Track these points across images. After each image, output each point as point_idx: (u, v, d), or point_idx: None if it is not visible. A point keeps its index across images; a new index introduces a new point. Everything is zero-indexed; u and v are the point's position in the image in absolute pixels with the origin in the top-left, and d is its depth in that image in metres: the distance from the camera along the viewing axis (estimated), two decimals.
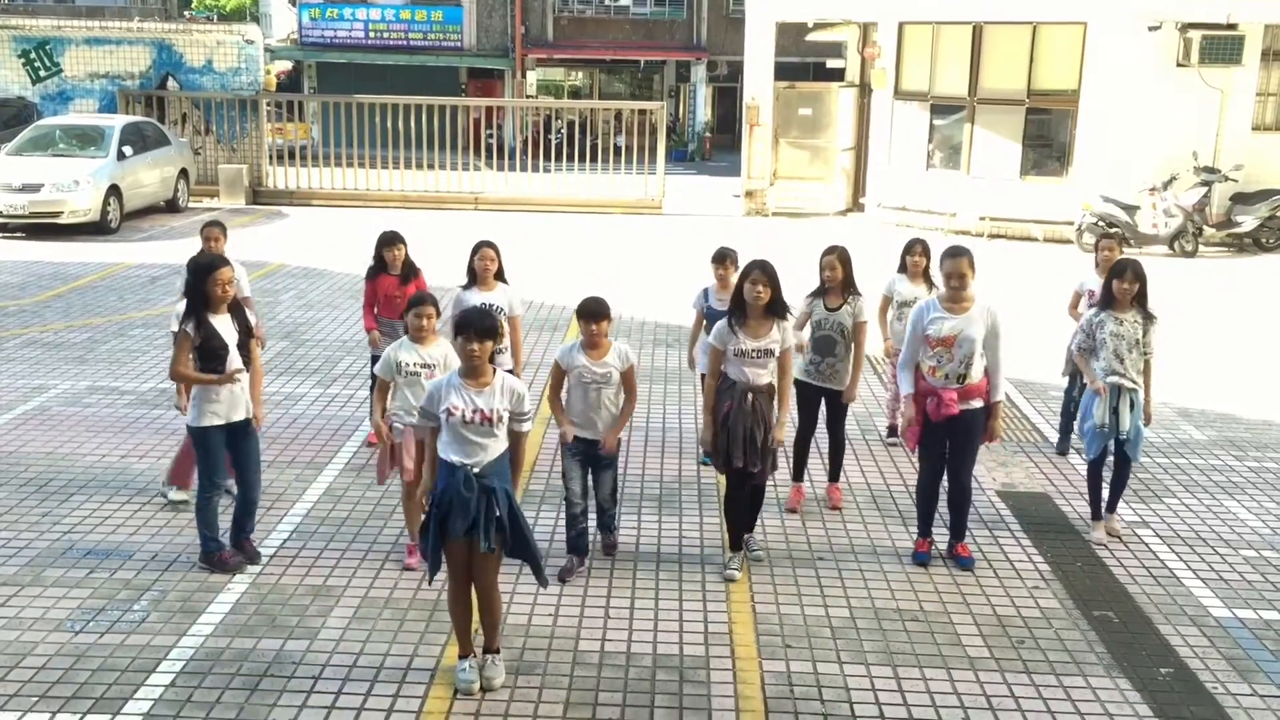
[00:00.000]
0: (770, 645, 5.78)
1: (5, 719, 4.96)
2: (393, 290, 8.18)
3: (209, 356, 6.19)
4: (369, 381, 8.64)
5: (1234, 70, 18.61)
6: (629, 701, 5.23)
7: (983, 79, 19.98)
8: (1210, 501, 7.89)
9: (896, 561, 6.81)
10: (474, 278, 7.61)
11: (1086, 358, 7.04)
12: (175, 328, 7.11)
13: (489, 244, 7.69)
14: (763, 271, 6.21)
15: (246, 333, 6.37)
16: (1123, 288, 6.85)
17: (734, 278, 7.42)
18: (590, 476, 6.53)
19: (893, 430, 8.88)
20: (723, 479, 6.89)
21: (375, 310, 8.24)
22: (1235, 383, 10.83)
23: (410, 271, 8.27)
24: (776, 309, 6.27)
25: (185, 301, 7.12)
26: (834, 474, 7.70)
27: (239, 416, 6.34)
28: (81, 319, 12.40)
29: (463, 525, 5.09)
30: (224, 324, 6.26)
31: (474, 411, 5.10)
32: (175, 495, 7.34)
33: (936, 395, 6.46)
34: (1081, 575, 6.68)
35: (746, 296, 6.21)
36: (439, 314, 6.60)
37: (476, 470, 5.12)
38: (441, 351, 6.41)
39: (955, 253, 6.45)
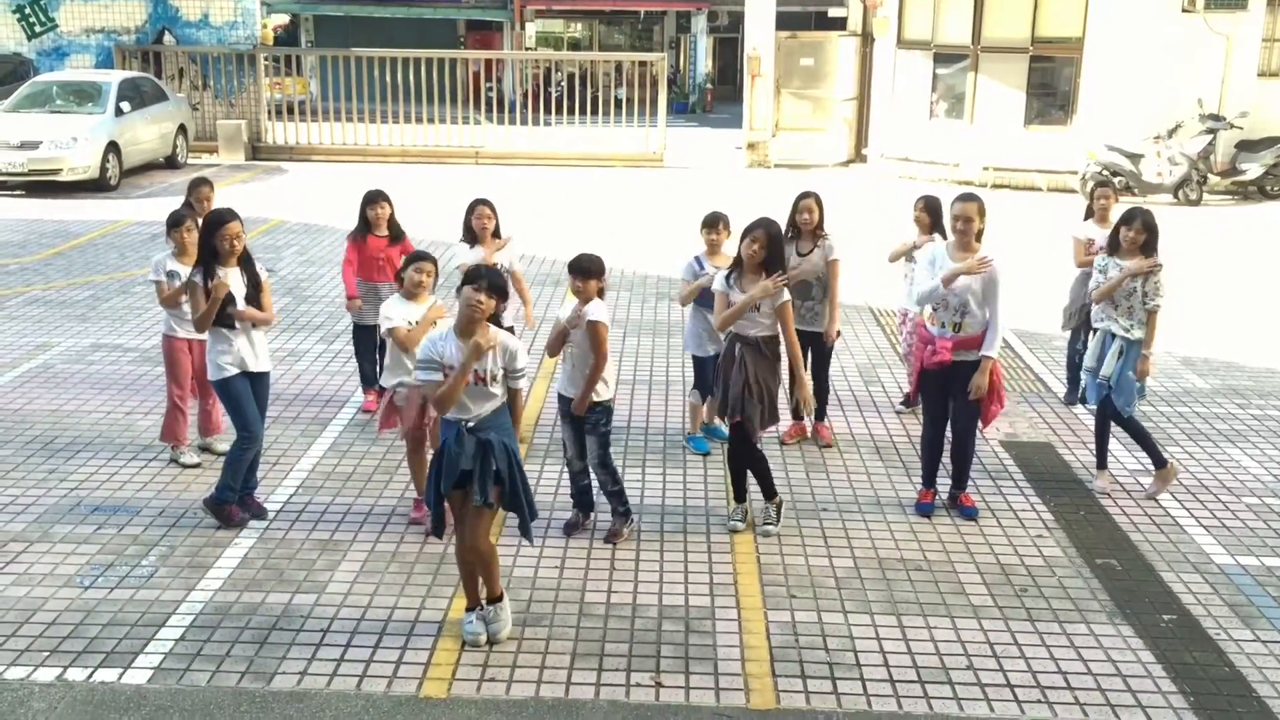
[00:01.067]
0: (775, 595, 5.82)
1: (17, 674, 5.01)
2: (379, 251, 8.06)
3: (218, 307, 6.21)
4: (352, 344, 8.61)
5: (1239, 16, 18.43)
6: (635, 652, 5.27)
7: (986, 27, 19.77)
8: (1213, 449, 7.91)
9: (900, 511, 6.84)
10: (471, 235, 7.56)
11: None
12: (155, 276, 7.13)
13: (485, 201, 7.62)
14: (765, 231, 6.17)
15: (255, 286, 6.36)
16: (1129, 235, 6.82)
17: (726, 242, 7.42)
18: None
19: (908, 400, 8.56)
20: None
21: (354, 272, 8.12)
22: (1238, 331, 10.81)
23: (398, 232, 8.15)
24: (772, 266, 6.24)
25: (167, 251, 7.14)
26: (820, 414, 7.76)
27: (256, 367, 6.37)
28: (83, 276, 12.39)
29: (450, 480, 5.13)
30: (233, 276, 6.27)
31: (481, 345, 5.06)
32: (187, 459, 7.31)
33: (932, 342, 6.48)
34: (1084, 524, 6.71)
35: (743, 253, 6.20)
36: (438, 273, 6.57)
37: (471, 425, 5.13)
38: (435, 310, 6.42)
39: (966, 198, 6.49)
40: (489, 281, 5.05)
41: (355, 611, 5.58)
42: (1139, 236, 6.81)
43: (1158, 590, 5.95)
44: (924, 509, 6.76)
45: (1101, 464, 7.22)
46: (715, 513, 6.78)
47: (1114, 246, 6.95)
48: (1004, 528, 6.64)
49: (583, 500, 6.50)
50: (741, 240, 6.23)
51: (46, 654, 5.17)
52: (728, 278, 6.33)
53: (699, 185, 19.71)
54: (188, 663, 5.13)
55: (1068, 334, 8.80)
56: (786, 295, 6.32)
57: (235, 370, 6.31)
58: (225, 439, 7.47)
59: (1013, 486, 7.23)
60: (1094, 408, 7.25)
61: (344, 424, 8.13)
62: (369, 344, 8.30)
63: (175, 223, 7.11)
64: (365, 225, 8.10)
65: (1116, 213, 7.59)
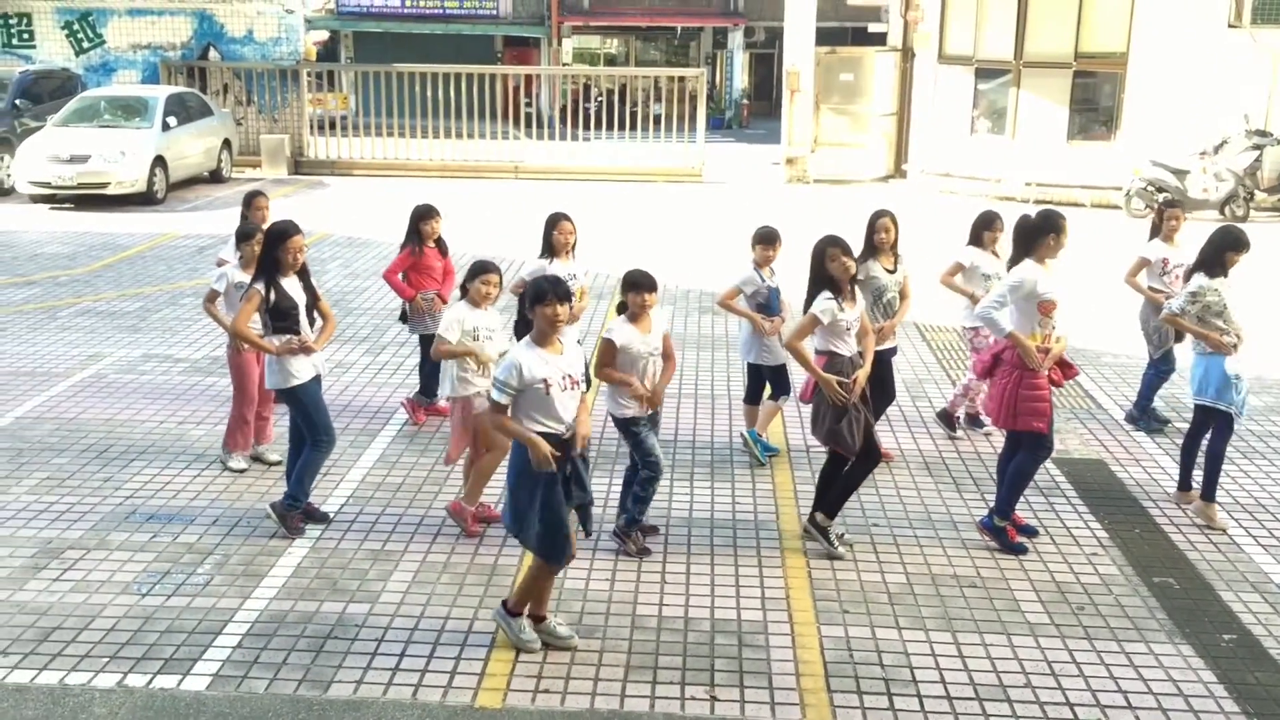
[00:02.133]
0: (828, 611, 5.79)
1: (78, 679, 5.06)
2: (434, 261, 8.36)
3: (281, 316, 6.35)
4: (418, 350, 8.70)
5: None
6: (689, 665, 5.26)
7: (1029, 42, 19.69)
8: (1270, 468, 7.80)
9: (951, 528, 6.79)
10: (550, 249, 7.59)
11: (1190, 322, 6.86)
12: (218, 285, 7.26)
13: (566, 216, 7.67)
14: (841, 248, 6.20)
15: (314, 295, 6.49)
16: (1236, 259, 6.78)
17: (776, 257, 7.48)
18: None
19: (974, 419, 8.41)
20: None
21: (404, 279, 8.28)
22: None
23: (444, 244, 8.46)
24: (858, 279, 6.34)
25: (233, 265, 7.28)
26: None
27: (323, 371, 6.55)
28: (133, 288, 12.54)
29: (580, 492, 5.20)
30: (293, 285, 6.39)
31: (564, 377, 5.12)
32: (236, 464, 7.43)
33: (1058, 362, 6.40)
34: (1140, 542, 6.63)
35: (835, 272, 6.18)
36: (502, 283, 6.68)
37: (568, 434, 5.16)
38: (501, 319, 6.54)
39: (1062, 217, 6.45)
40: (557, 294, 5.10)
41: (409, 621, 5.60)
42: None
43: (1217, 609, 5.87)
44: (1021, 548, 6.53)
45: (1185, 485, 7.19)
46: (765, 526, 6.76)
47: (1216, 268, 6.83)
48: (1058, 545, 6.57)
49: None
50: (823, 260, 6.21)
51: (106, 660, 5.22)
52: (833, 298, 6.22)
53: (739, 200, 19.72)
54: (245, 670, 5.16)
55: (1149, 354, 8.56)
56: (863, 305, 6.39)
57: (310, 375, 6.41)
58: (275, 449, 7.58)
59: (1065, 504, 7.16)
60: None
61: (392, 435, 8.17)
62: (425, 354, 8.43)
63: (247, 235, 7.20)
64: (419, 238, 8.23)
65: (1184, 232, 7.56)
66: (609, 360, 6.13)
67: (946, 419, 8.38)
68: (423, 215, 8.33)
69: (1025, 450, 6.46)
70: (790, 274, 7.93)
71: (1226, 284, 6.84)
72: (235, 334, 6.62)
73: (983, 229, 8.11)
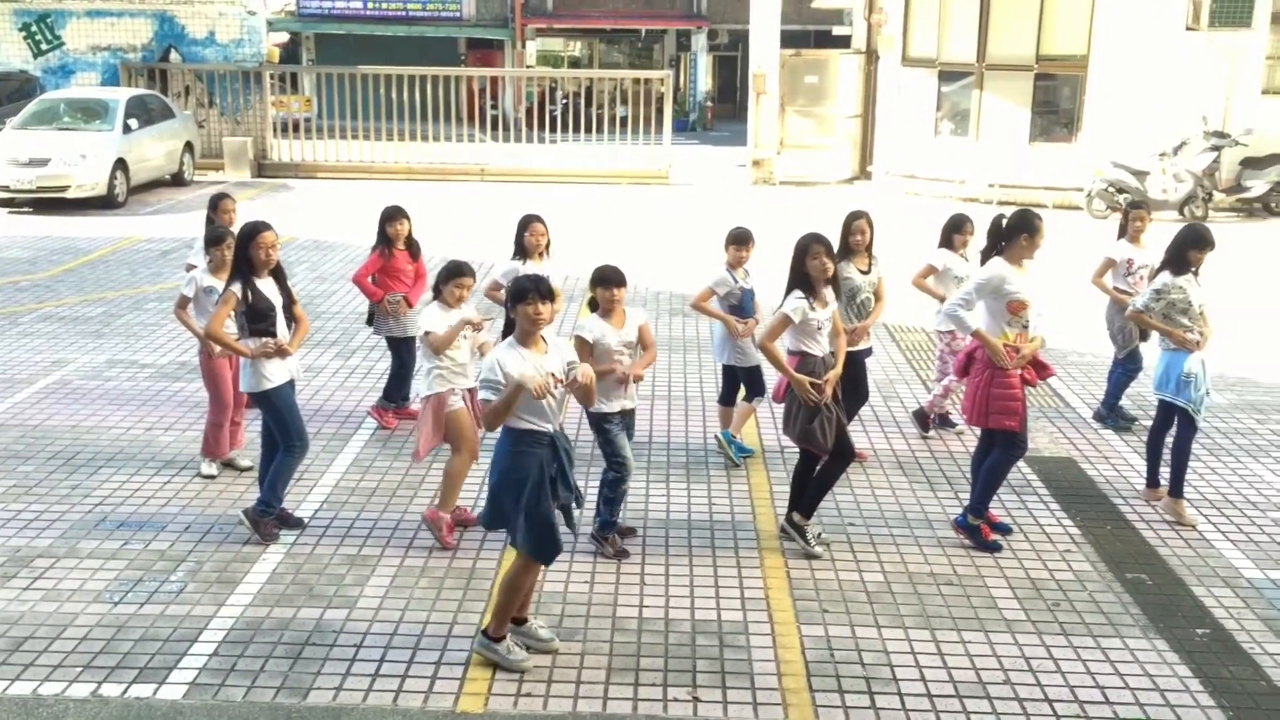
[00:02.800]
0: (807, 610, 5.80)
1: (51, 689, 4.98)
2: (405, 264, 8.25)
3: (258, 317, 6.28)
4: (387, 354, 8.64)
5: (1244, 33, 18.54)
6: (671, 666, 5.25)
7: (991, 45, 19.87)
8: (1235, 464, 7.91)
9: (926, 526, 6.83)
10: (522, 251, 7.57)
11: (1156, 319, 6.96)
12: (187, 290, 7.18)
13: (538, 218, 7.65)
14: (825, 246, 6.21)
15: (289, 297, 6.42)
16: (1200, 257, 6.86)
17: (750, 258, 7.50)
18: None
19: (944, 419, 8.46)
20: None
21: (373, 282, 8.17)
22: (1250, 347, 10.82)
23: (416, 247, 8.34)
24: (835, 279, 6.35)
25: (202, 268, 7.21)
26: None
27: (297, 375, 6.48)
28: (95, 293, 12.37)
29: (566, 492, 5.15)
30: (268, 286, 6.32)
31: (548, 375, 5.08)
32: (207, 469, 7.35)
33: (1032, 362, 6.43)
34: (1112, 538, 6.70)
35: (813, 271, 6.18)
36: (475, 284, 6.63)
37: (555, 431, 5.14)
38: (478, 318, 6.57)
39: (1038, 218, 6.47)
40: (539, 293, 5.05)
41: (388, 626, 5.56)
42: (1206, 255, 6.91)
43: (1189, 604, 5.94)
44: (996, 546, 6.55)
45: (1153, 482, 7.28)
46: (742, 527, 6.77)
47: (1182, 266, 6.90)
48: (1032, 542, 6.63)
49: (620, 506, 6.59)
50: (804, 258, 6.20)
51: (79, 670, 5.14)
52: (807, 297, 6.21)
53: (706, 202, 19.76)
54: (222, 678, 5.10)
55: (1116, 355, 8.65)
56: (835, 305, 6.39)
57: (285, 378, 6.35)
58: (246, 454, 7.50)
59: (1037, 501, 7.23)
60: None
61: (365, 440, 8.11)
62: (404, 354, 8.37)
63: (216, 239, 7.12)
64: (387, 241, 8.16)
65: (1149, 233, 7.65)
66: (584, 356, 6.10)
67: (921, 419, 8.43)
68: (389, 217, 8.22)
69: (999, 449, 6.51)
70: (763, 275, 7.97)
71: (1192, 282, 6.93)
72: (210, 337, 6.54)
73: (953, 232, 8.19)
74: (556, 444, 5.15)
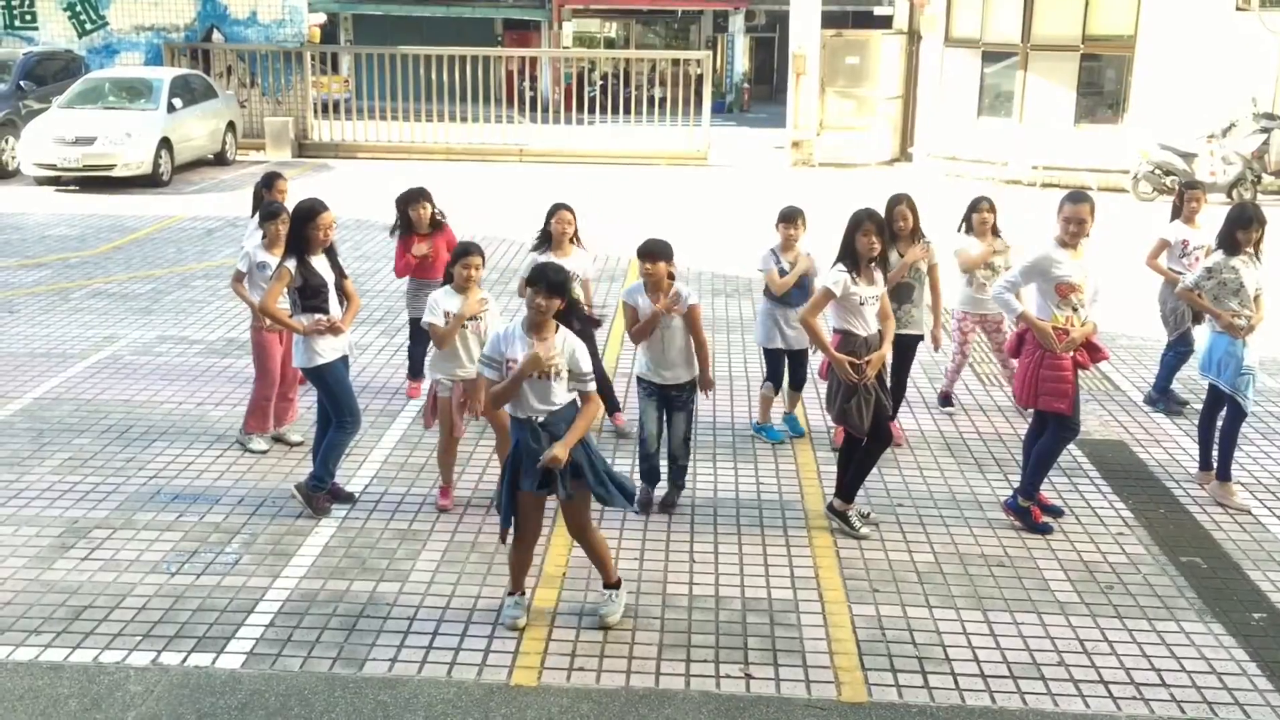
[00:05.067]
0: (858, 590, 5.79)
1: (112, 657, 5.06)
2: (423, 247, 8.10)
3: (311, 294, 6.32)
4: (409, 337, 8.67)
5: None
6: (722, 643, 5.26)
7: (1036, 25, 19.64)
8: None
9: (976, 507, 6.80)
10: (548, 240, 7.48)
11: (1206, 299, 6.89)
12: (243, 265, 7.23)
13: (566, 206, 7.49)
14: (875, 223, 6.13)
15: (340, 273, 6.47)
16: (1248, 236, 6.77)
17: (801, 237, 7.44)
18: (665, 419, 6.58)
19: (946, 399, 8.53)
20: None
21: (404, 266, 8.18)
22: None
23: (438, 228, 8.18)
24: (885, 260, 6.28)
25: (257, 243, 7.24)
26: (892, 414, 7.67)
27: (347, 349, 6.52)
28: (143, 270, 12.50)
29: (534, 479, 5.11)
30: (321, 264, 6.37)
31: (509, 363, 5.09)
32: (257, 445, 7.41)
33: (1085, 345, 6.33)
34: (1165, 521, 6.64)
35: (860, 247, 6.12)
36: (484, 264, 6.58)
37: (541, 420, 5.12)
38: (493, 302, 6.56)
39: (1079, 198, 6.33)
40: (546, 284, 5.04)
41: (440, 600, 5.60)
42: (1258, 234, 6.80)
43: (1245, 588, 5.88)
44: (1047, 528, 6.50)
45: (1206, 464, 7.18)
46: (790, 506, 6.76)
47: (1233, 246, 6.84)
48: (1084, 525, 6.57)
49: (651, 475, 6.64)
50: (854, 235, 6.15)
51: (139, 639, 5.21)
52: (850, 272, 6.17)
53: (746, 183, 19.68)
54: (279, 648, 5.16)
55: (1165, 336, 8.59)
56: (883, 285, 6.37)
57: (336, 355, 6.39)
58: (297, 429, 7.58)
59: (1089, 484, 7.17)
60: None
61: (412, 416, 8.16)
62: (421, 335, 8.37)
63: (272, 214, 7.18)
64: (408, 225, 8.14)
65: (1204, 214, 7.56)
66: (631, 322, 6.41)
67: (944, 399, 8.54)
68: (408, 200, 8.14)
69: (1050, 432, 6.46)
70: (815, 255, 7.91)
71: (1248, 263, 6.83)
72: (263, 312, 6.60)
73: (971, 213, 8.15)
74: (542, 430, 5.12)
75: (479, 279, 6.47)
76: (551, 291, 5.06)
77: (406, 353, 8.72)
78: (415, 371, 8.52)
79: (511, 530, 5.33)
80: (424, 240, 8.08)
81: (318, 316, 6.33)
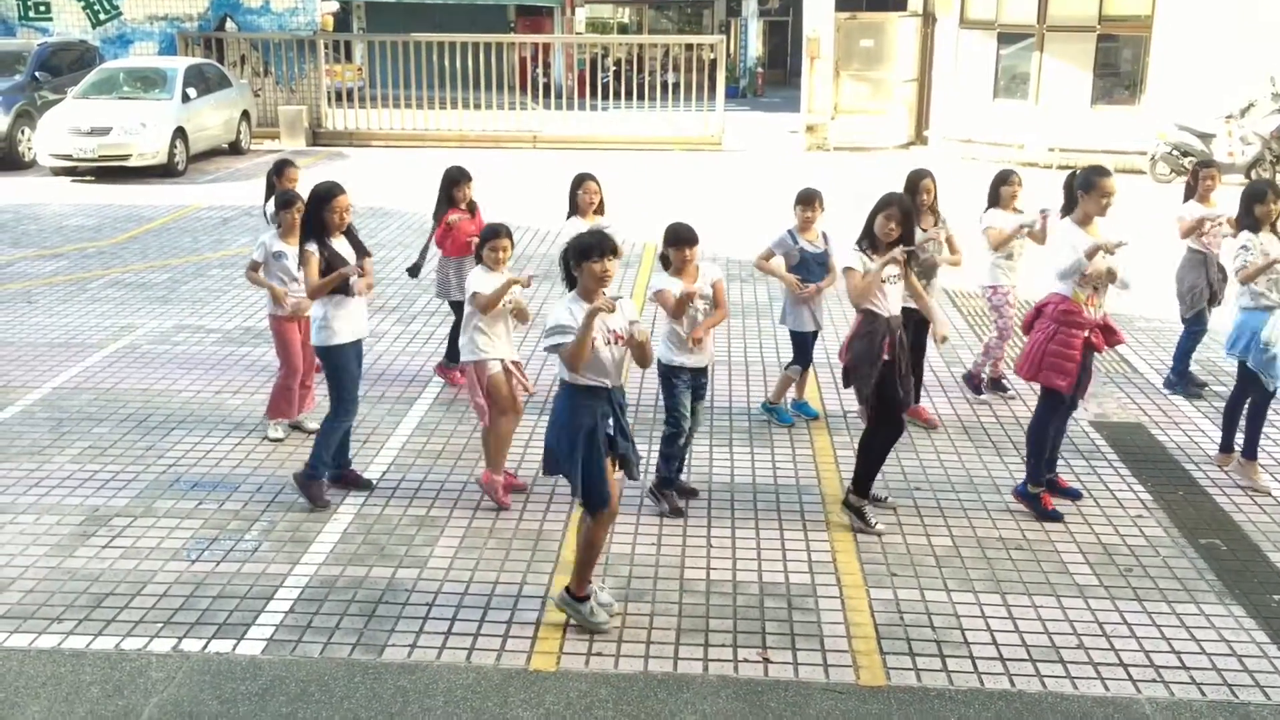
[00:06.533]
0: (875, 573, 5.79)
1: (133, 644, 5.09)
2: (470, 230, 8.11)
3: None
4: (446, 319, 8.69)
5: None
6: (740, 628, 5.27)
7: (1051, 5, 19.49)
8: None
9: (994, 491, 6.78)
10: (575, 208, 7.62)
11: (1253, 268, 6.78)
12: (258, 255, 7.25)
13: (591, 177, 7.67)
14: (900, 208, 6.07)
15: (364, 252, 6.52)
16: (1265, 210, 6.74)
17: (819, 219, 7.44)
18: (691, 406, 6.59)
19: (996, 383, 8.39)
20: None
21: (442, 248, 8.23)
22: None
23: (474, 205, 8.35)
24: (906, 243, 6.18)
25: (271, 233, 7.26)
26: (916, 397, 7.64)
27: (364, 333, 6.50)
28: (159, 260, 12.55)
29: (624, 445, 5.16)
30: (342, 245, 6.39)
31: (610, 333, 5.08)
32: (274, 433, 7.45)
33: (1097, 326, 6.26)
34: (1184, 504, 6.61)
35: (878, 229, 6.08)
36: (513, 246, 6.59)
37: (615, 388, 5.16)
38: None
39: (1106, 172, 6.27)
40: (605, 249, 5.03)
41: (458, 586, 5.62)
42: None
43: (1266, 570, 5.85)
44: (1057, 515, 6.45)
45: (1227, 447, 7.13)
46: (807, 491, 6.75)
47: (1254, 223, 6.80)
48: (1102, 508, 6.55)
49: (679, 463, 6.66)
50: (876, 216, 6.11)
51: (160, 625, 5.25)
52: (866, 252, 6.15)
53: (760, 169, 19.62)
54: (299, 634, 5.18)
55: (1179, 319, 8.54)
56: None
57: (351, 337, 6.39)
58: (315, 417, 7.60)
59: (1107, 467, 7.14)
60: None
61: (429, 403, 8.18)
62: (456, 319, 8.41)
63: (287, 203, 7.20)
64: (450, 203, 8.19)
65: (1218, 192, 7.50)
66: (667, 306, 6.39)
67: (971, 382, 8.39)
68: (453, 179, 8.25)
69: (1039, 405, 6.43)
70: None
71: (1273, 239, 6.77)
72: (312, 297, 6.48)
73: (999, 186, 8.09)
74: (612, 399, 5.17)
75: (507, 260, 6.49)
76: (613, 253, 5.09)
77: (448, 338, 8.65)
78: (455, 355, 8.50)
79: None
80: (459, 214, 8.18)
81: (347, 268, 6.29)
